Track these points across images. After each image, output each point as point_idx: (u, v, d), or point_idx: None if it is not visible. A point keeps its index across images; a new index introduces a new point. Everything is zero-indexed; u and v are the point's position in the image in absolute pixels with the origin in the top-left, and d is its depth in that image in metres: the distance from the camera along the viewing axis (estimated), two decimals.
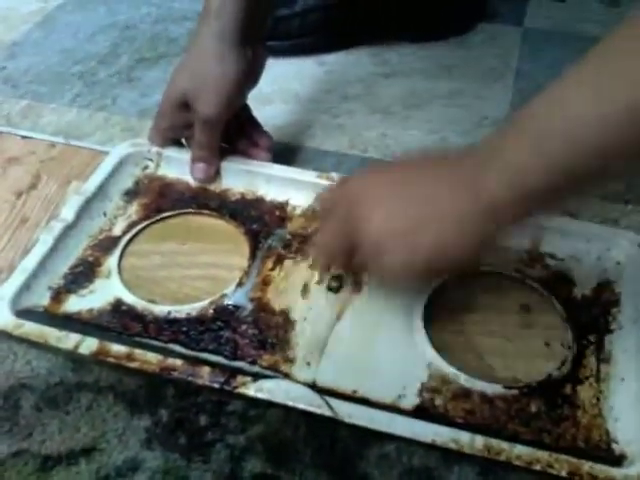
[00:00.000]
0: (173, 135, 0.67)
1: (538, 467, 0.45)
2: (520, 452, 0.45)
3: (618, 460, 0.47)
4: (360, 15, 0.88)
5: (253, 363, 0.53)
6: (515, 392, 0.50)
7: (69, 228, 0.61)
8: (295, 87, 0.84)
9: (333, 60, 0.88)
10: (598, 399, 0.50)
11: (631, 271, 0.57)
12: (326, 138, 0.76)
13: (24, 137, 0.76)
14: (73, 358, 0.53)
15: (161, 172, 0.68)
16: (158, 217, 0.64)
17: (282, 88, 0.84)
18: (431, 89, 0.83)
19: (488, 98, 0.81)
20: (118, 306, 0.57)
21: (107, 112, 0.80)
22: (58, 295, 0.57)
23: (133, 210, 0.65)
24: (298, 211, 0.64)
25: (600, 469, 0.45)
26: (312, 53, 0.88)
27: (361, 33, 0.90)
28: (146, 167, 0.68)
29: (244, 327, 0.55)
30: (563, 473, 0.44)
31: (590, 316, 0.56)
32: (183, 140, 0.68)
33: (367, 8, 0.87)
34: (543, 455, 0.45)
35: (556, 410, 0.50)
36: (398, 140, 0.76)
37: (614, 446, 0.48)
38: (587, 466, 0.45)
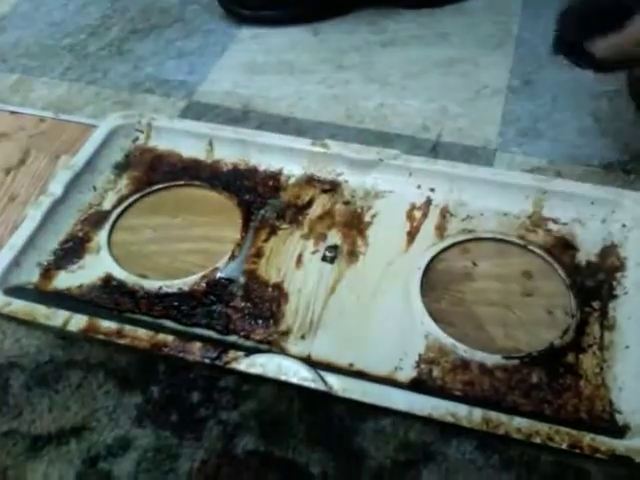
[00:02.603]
0: None
1: (538, 440, 0.43)
2: (519, 425, 0.44)
3: (621, 431, 0.45)
4: None
5: (246, 337, 0.51)
6: (515, 362, 0.49)
7: (58, 203, 0.59)
8: (290, 57, 0.81)
9: (328, 29, 0.85)
10: (602, 368, 0.49)
11: (637, 233, 0.55)
12: (322, 109, 0.74)
13: (13, 112, 0.74)
14: (63, 335, 0.52)
15: (152, 144, 0.66)
16: (149, 190, 0.63)
17: (276, 58, 0.81)
18: (429, 57, 0.80)
19: (487, 66, 0.78)
20: (108, 281, 0.55)
21: (98, 85, 0.78)
22: (48, 271, 0.56)
23: (123, 183, 0.63)
24: (292, 180, 0.62)
25: (602, 441, 0.43)
26: (307, 22, 0.86)
27: (357, 1, 0.87)
28: (136, 139, 0.66)
29: (237, 301, 0.54)
30: (564, 445, 0.43)
31: (594, 282, 0.54)
32: None
33: None
34: (543, 427, 0.44)
35: (558, 380, 0.48)
36: (396, 110, 0.73)
37: (617, 417, 0.46)
38: (588, 438, 0.43)
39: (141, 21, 0.89)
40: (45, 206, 0.59)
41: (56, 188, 0.60)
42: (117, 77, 0.80)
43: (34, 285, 0.55)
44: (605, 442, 0.43)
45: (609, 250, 0.55)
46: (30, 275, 0.56)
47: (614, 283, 0.53)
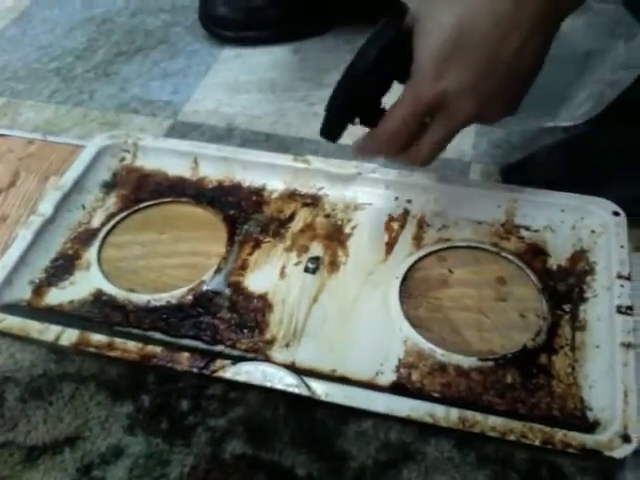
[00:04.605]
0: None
1: (512, 437, 0.46)
2: (494, 423, 0.46)
3: (592, 427, 0.47)
4: (335, 6, 0.88)
5: (233, 347, 0.53)
6: (490, 364, 0.51)
7: (48, 222, 0.61)
8: (271, 76, 0.84)
9: (308, 47, 0.88)
10: (573, 368, 0.51)
11: (605, 239, 0.57)
12: (303, 126, 0.76)
13: (1, 135, 0.76)
14: (56, 349, 0.54)
15: (138, 163, 0.68)
16: (136, 208, 0.65)
17: (258, 77, 0.84)
18: None
19: None
20: (98, 297, 0.57)
21: (85, 107, 0.81)
22: (39, 289, 0.58)
23: (111, 202, 0.65)
24: (275, 195, 0.65)
25: (573, 436, 0.45)
26: (288, 41, 0.88)
27: (336, 19, 0.90)
28: (123, 159, 0.68)
29: (223, 312, 0.56)
30: (537, 442, 0.45)
31: (565, 286, 0.56)
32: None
33: (341, 0, 0.88)
34: (517, 425, 0.46)
35: (531, 380, 0.50)
36: None
37: (588, 413, 0.48)
38: (560, 434, 0.45)
39: (126, 43, 0.91)
40: (35, 226, 0.61)
41: (46, 208, 0.62)
42: (103, 98, 0.82)
43: (27, 302, 0.57)
44: (576, 437, 0.46)
45: (579, 255, 0.58)
46: (22, 292, 0.58)
47: (584, 286, 0.56)
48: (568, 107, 0.58)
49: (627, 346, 0.50)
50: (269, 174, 0.66)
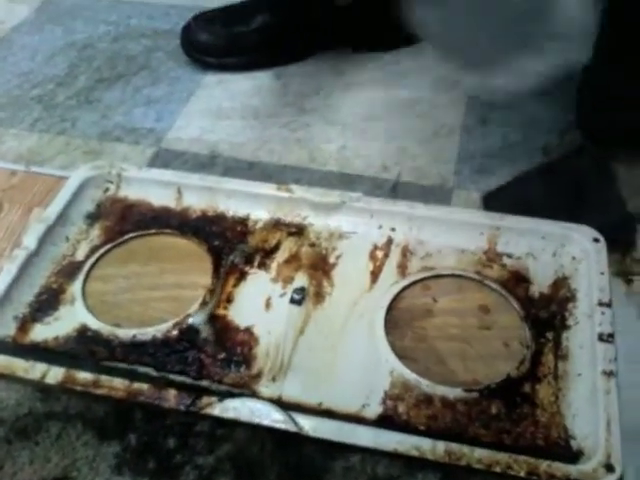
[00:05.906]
0: None
1: (498, 469, 0.46)
2: (480, 455, 0.47)
3: (576, 456, 0.48)
4: (316, 31, 0.89)
5: (220, 382, 0.53)
6: (475, 395, 0.51)
7: (32, 256, 0.61)
8: (254, 102, 0.84)
9: (290, 73, 0.89)
10: (557, 397, 0.51)
11: (586, 265, 0.58)
12: (285, 153, 0.77)
13: None
14: (41, 388, 0.54)
15: (122, 193, 0.68)
16: (120, 239, 0.65)
17: (241, 103, 0.84)
18: (388, 99, 0.83)
19: (443, 106, 0.81)
20: (83, 332, 0.57)
21: (67, 135, 0.81)
22: (24, 324, 0.58)
23: (95, 234, 0.65)
24: (259, 225, 0.65)
25: (557, 467, 0.46)
26: (269, 67, 0.89)
27: (317, 45, 0.90)
28: (107, 189, 0.68)
29: (209, 346, 0.56)
30: (522, 473, 0.46)
31: (547, 313, 0.57)
32: None
33: (323, 26, 0.89)
34: (503, 457, 0.46)
35: (515, 410, 0.51)
36: (357, 152, 0.76)
37: (572, 442, 0.49)
38: (545, 465, 0.46)
39: (108, 70, 0.91)
40: (20, 260, 0.60)
41: (30, 241, 0.62)
42: (86, 126, 0.82)
43: (12, 338, 0.57)
44: (560, 468, 0.46)
45: (561, 282, 0.59)
46: (7, 328, 0.57)
47: (566, 314, 0.56)
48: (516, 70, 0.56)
49: (609, 374, 0.50)
50: (253, 203, 0.66)
